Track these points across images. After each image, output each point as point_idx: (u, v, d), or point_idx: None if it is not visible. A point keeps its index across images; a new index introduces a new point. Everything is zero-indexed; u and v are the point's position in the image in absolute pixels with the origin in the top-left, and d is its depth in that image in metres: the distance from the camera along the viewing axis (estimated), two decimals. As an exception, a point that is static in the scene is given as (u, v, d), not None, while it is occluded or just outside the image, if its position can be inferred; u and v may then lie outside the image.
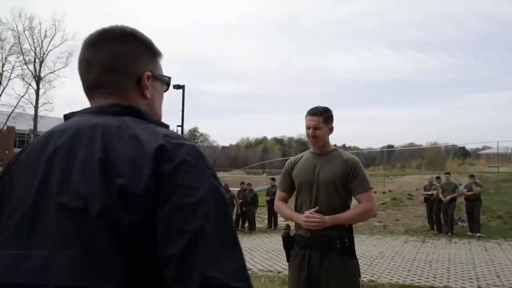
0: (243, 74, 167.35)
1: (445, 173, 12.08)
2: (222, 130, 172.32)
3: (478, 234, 10.06)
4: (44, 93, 43.12)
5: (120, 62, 0.80)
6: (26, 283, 0.63)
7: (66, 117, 0.81)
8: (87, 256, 0.62)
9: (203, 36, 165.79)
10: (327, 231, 2.26)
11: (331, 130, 2.51)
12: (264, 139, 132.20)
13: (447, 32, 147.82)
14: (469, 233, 10.40)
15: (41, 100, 42.84)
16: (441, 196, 10.79)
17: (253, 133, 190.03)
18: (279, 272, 6.23)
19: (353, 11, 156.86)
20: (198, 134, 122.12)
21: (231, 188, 15.72)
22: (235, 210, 11.81)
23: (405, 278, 5.91)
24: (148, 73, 0.82)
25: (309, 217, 2.25)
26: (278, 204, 2.63)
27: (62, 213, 0.65)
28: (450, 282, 5.70)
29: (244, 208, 12.66)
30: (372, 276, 5.96)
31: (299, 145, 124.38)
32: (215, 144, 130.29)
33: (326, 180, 2.36)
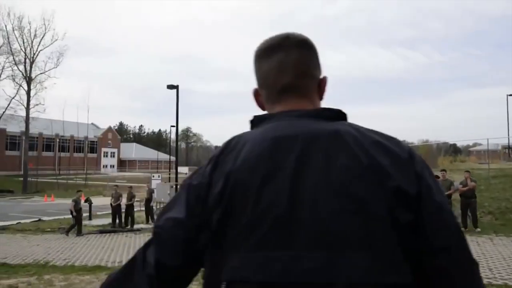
0: (235, 73, 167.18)
1: (441, 170, 12.26)
2: (215, 130, 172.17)
3: (478, 229, 10.23)
4: (35, 94, 42.65)
5: (309, 67, 0.85)
6: (307, 281, 0.65)
7: (256, 121, 0.83)
8: (372, 254, 0.66)
9: (194, 35, 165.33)
10: None
11: None
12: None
13: (437, 29, 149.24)
14: (462, 229, 10.58)
15: (32, 101, 42.40)
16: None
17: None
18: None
19: (343, 8, 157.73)
20: (191, 134, 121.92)
21: None
22: None
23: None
24: (327, 76, 0.88)
25: None
26: None
27: (338, 215, 0.67)
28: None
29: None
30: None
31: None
32: (208, 144, 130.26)
33: None
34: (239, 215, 0.70)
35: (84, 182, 48.29)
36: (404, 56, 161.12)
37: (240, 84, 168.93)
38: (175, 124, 23.02)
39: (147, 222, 15.62)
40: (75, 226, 12.91)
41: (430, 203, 0.71)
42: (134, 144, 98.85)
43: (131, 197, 14.81)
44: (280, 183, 0.69)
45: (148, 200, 16.16)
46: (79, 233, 12.73)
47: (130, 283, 0.76)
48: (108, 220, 16.50)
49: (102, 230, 13.51)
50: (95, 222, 16.47)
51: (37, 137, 58.69)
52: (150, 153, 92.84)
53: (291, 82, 0.83)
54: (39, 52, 42.53)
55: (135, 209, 15.48)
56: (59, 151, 66.36)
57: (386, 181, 0.69)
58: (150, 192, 16.45)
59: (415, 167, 0.73)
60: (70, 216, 14.02)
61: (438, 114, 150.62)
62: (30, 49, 42.06)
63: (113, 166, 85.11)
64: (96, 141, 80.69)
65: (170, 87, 24.30)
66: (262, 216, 0.68)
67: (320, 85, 0.86)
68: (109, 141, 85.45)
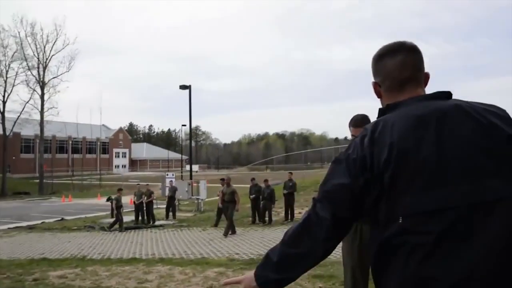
0: (241, 70, 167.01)
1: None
2: (223, 128, 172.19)
3: None
4: (49, 98, 43.44)
5: (421, 64, 1.19)
6: (467, 203, 0.94)
7: (392, 107, 1.12)
8: (504, 178, 0.97)
9: (200, 33, 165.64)
10: None
11: None
12: (266, 134, 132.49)
13: (446, 20, 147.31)
14: None
15: (46, 105, 43.20)
16: None
17: (255, 129, 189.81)
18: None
19: (351, 1, 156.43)
20: (200, 132, 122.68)
21: (240, 185, 16.13)
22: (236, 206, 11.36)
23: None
24: (429, 72, 1.21)
25: None
26: None
27: (474, 158, 0.98)
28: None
29: (261, 203, 13.18)
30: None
31: (301, 139, 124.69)
32: (217, 141, 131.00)
33: None
34: (405, 170, 0.98)
35: (98, 182, 49.14)
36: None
37: (246, 81, 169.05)
38: (186, 123, 23.37)
39: (167, 218, 16.14)
40: (117, 222, 13.59)
41: None
42: (145, 144, 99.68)
43: (150, 194, 15.29)
44: (429, 144, 0.99)
45: (171, 198, 16.64)
46: (121, 228, 13.39)
47: (309, 232, 1.08)
48: (129, 218, 17.06)
49: (127, 227, 14.02)
50: (118, 219, 16.98)
51: (50, 140, 59.62)
52: (161, 152, 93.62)
53: (412, 75, 1.16)
54: (51, 57, 43.30)
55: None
56: (72, 152, 67.32)
57: (502, 132, 1.01)
58: (174, 190, 16.91)
59: None
60: (110, 213, 14.67)
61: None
62: (43, 54, 42.85)
63: (125, 166, 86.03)
64: (108, 142, 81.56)
65: (183, 87, 24.65)
66: (422, 168, 0.98)
67: (425, 78, 1.20)
68: (120, 142, 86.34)
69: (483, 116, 1.03)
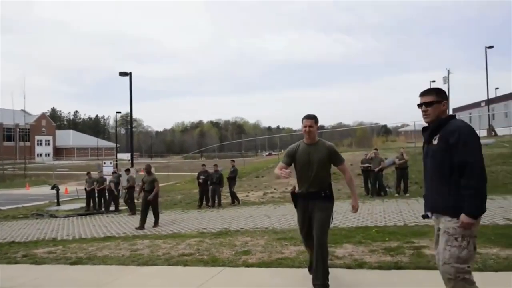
0: (175, 55, 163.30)
1: (374, 149, 14.90)
2: (155, 115, 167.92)
3: (407, 194, 13.06)
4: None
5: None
6: None
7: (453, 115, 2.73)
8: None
9: (131, 15, 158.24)
10: (317, 189, 3.66)
11: (318, 128, 3.76)
12: (200, 123, 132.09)
13: (373, 16, 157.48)
14: (396, 195, 13.25)
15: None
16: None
17: (188, 117, 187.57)
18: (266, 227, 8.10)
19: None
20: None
21: (178, 173, 16.49)
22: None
23: (356, 222, 8.12)
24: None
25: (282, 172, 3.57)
26: (276, 169, 3.77)
27: None
28: (387, 223, 8.03)
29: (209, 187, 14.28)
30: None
31: (235, 128, 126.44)
32: (149, 129, 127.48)
33: (318, 161, 3.66)
34: None
35: (23, 172, 46.05)
36: (342, 42, 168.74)
37: (179, 67, 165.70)
38: (115, 110, 23.48)
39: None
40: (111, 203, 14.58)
41: None
42: (71, 131, 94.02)
43: (102, 181, 15.58)
44: None
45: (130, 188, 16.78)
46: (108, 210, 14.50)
47: (486, 179, 2.43)
48: (76, 205, 17.11)
49: (80, 214, 14.25)
50: (65, 207, 16.94)
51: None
52: (89, 140, 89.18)
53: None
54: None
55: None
56: (-14, 140, 61.69)
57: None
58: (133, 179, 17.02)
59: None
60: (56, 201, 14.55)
61: (370, 98, 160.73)
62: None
63: (49, 155, 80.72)
64: (29, 129, 75.68)
65: (123, 74, 24.43)
66: None
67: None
68: (43, 129, 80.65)
69: None
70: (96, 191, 15.28)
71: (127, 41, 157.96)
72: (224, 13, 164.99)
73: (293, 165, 3.81)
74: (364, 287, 3.78)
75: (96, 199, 15.36)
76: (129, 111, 22.84)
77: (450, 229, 2.43)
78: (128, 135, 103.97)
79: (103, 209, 15.09)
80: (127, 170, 15.60)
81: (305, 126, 3.68)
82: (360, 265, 4.54)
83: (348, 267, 4.49)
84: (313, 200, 3.67)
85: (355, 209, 3.83)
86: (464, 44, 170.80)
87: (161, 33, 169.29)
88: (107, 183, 15.33)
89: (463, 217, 2.37)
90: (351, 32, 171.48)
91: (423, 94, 2.71)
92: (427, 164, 2.69)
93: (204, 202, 14.25)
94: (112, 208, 14.90)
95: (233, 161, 16.27)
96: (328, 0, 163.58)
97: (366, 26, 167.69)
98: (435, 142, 2.58)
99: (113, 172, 16.39)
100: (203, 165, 15.45)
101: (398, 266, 4.38)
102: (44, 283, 4.88)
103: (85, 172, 17.59)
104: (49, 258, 6.40)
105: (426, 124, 2.75)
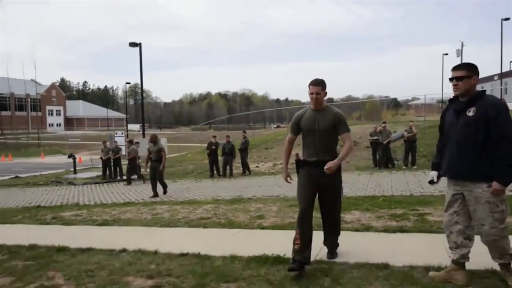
0: (184, 26, 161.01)
1: (383, 123, 15.12)
2: (164, 86, 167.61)
3: (415, 167, 13.39)
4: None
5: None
6: None
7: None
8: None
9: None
10: (323, 158, 3.41)
11: (325, 94, 3.54)
12: (209, 94, 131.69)
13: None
14: (404, 167, 13.57)
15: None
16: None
17: (197, 89, 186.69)
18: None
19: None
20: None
21: (188, 144, 16.65)
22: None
23: (364, 192, 8.49)
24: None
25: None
26: (286, 145, 3.67)
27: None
28: (394, 193, 8.38)
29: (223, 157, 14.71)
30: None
31: (243, 99, 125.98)
32: (158, 100, 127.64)
33: (324, 128, 3.46)
34: None
35: (37, 141, 47.04)
36: (354, 12, 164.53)
37: (188, 37, 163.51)
38: (125, 80, 23.76)
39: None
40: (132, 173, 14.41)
41: None
42: (81, 101, 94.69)
43: (118, 151, 16.09)
44: None
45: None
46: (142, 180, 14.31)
47: None
48: (92, 174, 17.73)
49: (97, 182, 14.85)
50: (82, 175, 17.58)
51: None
52: (98, 111, 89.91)
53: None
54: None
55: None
56: None
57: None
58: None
59: None
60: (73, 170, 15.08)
61: (381, 70, 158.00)
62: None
63: (60, 125, 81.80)
64: (40, 99, 76.37)
65: (133, 44, 24.45)
66: None
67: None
68: (54, 99, 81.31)
69: None
70: (111, 160, 15.81)
71: (134, 11, 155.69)
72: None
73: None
74: (370, 245, 4.15)
75: (112, 168, 15.91)
76: (138, 81, 23.20)
77: (489, 197, 2.76)
78: (137, 106, 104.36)
79: (118, 177, 15.66)
80: (130, 142, 15.94)
81: (311, 93, 3.45)
82: (367, 228, 4.92)
83: (356, 230, 4.87)
84: (319, 169, 3.38)
85: (328, 167, 3.32)
86: (478, 16, 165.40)
87: (167, 2, 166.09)
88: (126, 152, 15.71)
89: (495, 184, 2.70)
90: (363, 1, 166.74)
91: (455, 68, 2.90)
92: (454, 132, 2.89)
93: (215, 172, 14.73)
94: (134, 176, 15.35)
95: (245, 132, 16.63)
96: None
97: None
98: (469, 114, 2.81)
99: (132, 141, 16.85)
100: (214, 136, 15.84)
101: (402, 230, 4.74)
102: (80, 240, 5.33)
103: (97, 142, 18.08)
104: (76, 220, 6.90)
105: (452, 96, 3.02)
